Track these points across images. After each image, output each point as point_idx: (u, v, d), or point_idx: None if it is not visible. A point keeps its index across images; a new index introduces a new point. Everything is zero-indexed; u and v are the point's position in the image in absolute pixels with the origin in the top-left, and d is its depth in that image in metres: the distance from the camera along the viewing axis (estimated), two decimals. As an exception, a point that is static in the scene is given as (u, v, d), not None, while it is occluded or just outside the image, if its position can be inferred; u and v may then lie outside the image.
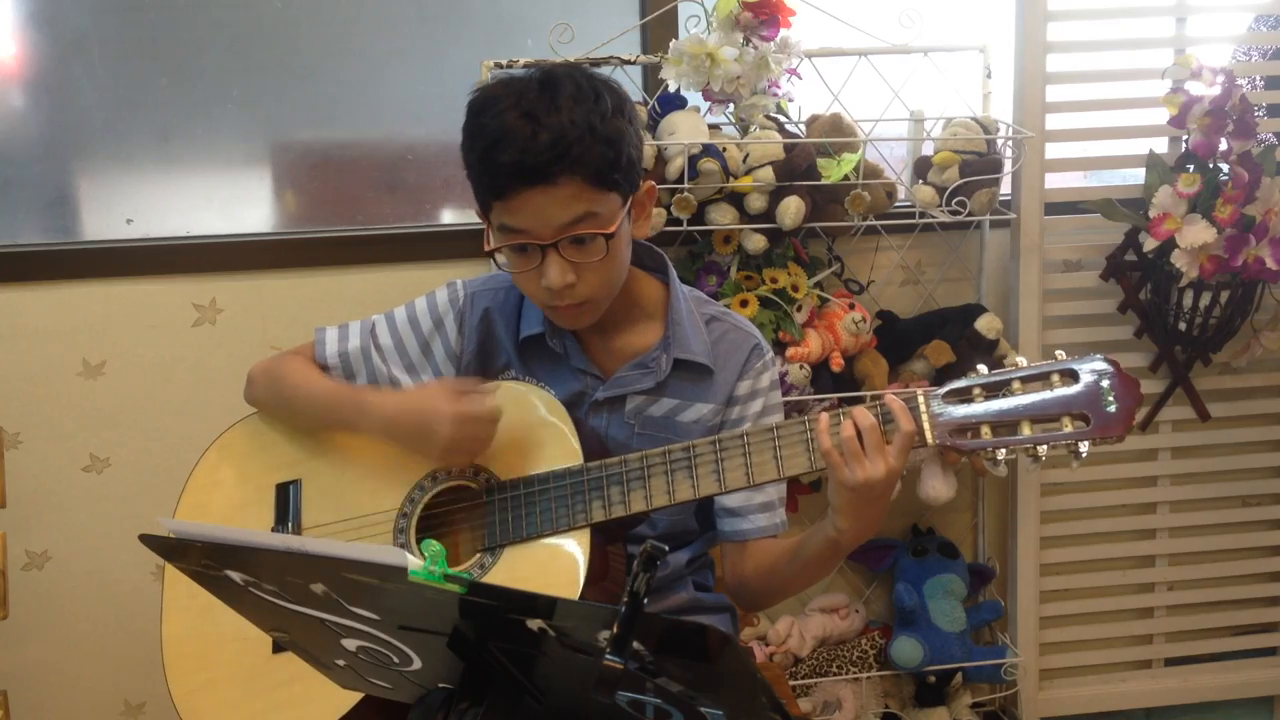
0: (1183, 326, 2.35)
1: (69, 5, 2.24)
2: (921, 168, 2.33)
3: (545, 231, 1.37)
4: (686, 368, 1.51)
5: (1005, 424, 1.27)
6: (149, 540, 1.06)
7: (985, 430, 1.28)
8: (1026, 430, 1.27)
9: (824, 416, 1.32)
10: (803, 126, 2.28)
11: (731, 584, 1.58)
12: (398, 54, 2.35)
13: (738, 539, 1.53)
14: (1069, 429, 1.26)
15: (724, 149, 2.12)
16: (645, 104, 2.21)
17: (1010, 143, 2.29)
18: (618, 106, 1.39)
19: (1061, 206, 2.45)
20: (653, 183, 1.50)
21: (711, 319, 1.56)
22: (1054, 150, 2.40)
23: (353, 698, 1.34)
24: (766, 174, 2.13)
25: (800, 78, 2.17)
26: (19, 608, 1.97)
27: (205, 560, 1.05)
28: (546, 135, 1.32)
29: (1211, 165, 2.23)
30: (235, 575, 1.05)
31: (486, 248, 1.44)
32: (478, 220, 2.34)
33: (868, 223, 2.26)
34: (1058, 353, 1.29)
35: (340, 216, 2.37)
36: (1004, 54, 2.36)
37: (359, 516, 1.47)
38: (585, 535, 1.37)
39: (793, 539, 1.48)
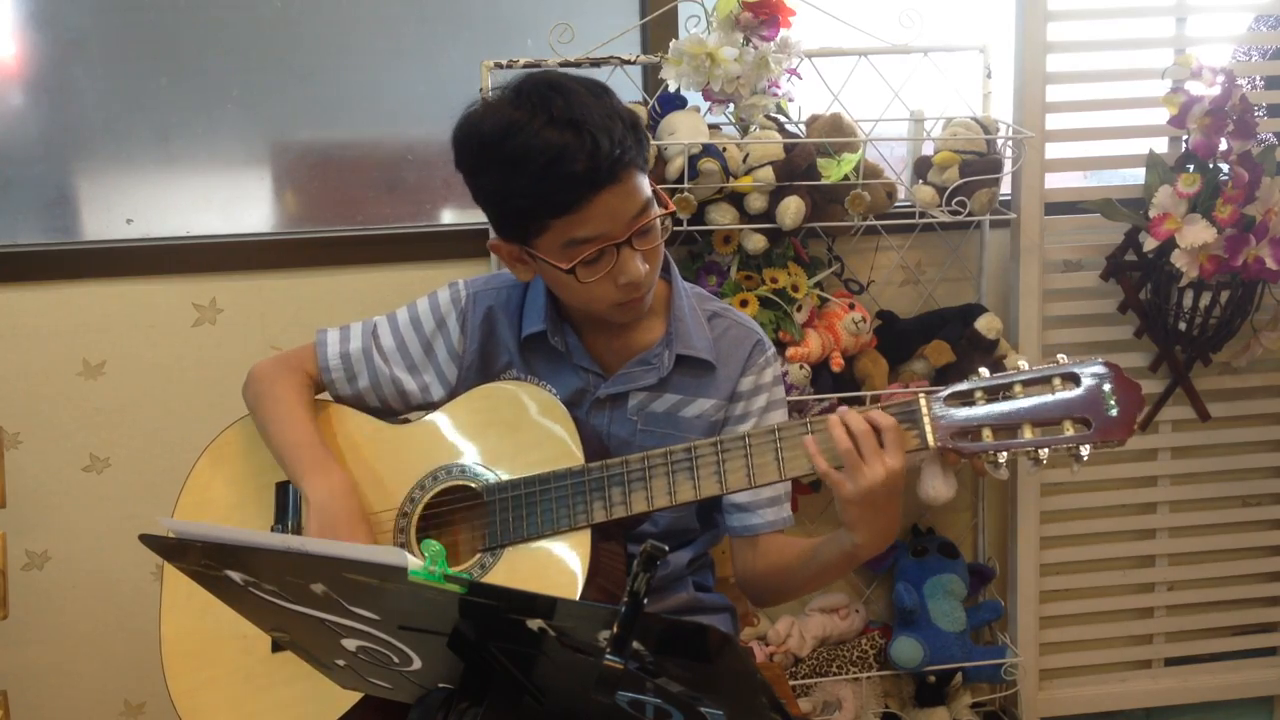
0: (1183, 326, 2.35)
1: (69, 5, 2.24)
2: (921, 168, 2.33)
3: (618, 230, 1.37)
4: (689, 364, 1.52)
5: (1006, 427, 1.27)
6: (149, 540, 1.06)
7: (986, 433, 1.28)
8: (1028, 434, 1.27)
9: (809, 440, 1.31)
10: (803, 126, 2.28)
11: (742, 579, 1.58)
12: (398, 54, 2.35)
13: (748, 534, 1.54)
14: (1070, 433, 1.26)
15: (724, 149, 2.12)
16: (645, 104, 2.21)
17: (1010, 143, 2.29)
18: (612, 93, 1.42)
19: (1061, 206, 2.44)
20: None
21: (713, 315, 1.56)
22: (1054, 150, 2.40)
23: (352, 698, 1.34)
24: (766, 174, 2.13)
25: (800, 78, 2.17)
26: (19, 608, 1.97)
27: (205, 560, 1.05)
28: (604, 137, 1.33)
29: (1211, 165, 2.23)
30: (235, 575, 1.05)
31: (564, 266, 1.38)
32: (477, 220, 2.34)
33: (868, 223, 2.26)
34: (1059, 356, 1.29)
35: (340, 216, 2.37)
36: (1004, 54, 2.36)
37: (359, 516, 1.47)
38: (586, 536, 1.37)
39: (808, 541, 1.48)
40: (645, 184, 1.40)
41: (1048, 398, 1.27)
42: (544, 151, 1.32)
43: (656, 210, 1.41)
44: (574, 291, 1.43)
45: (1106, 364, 1.27)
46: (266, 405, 1.54)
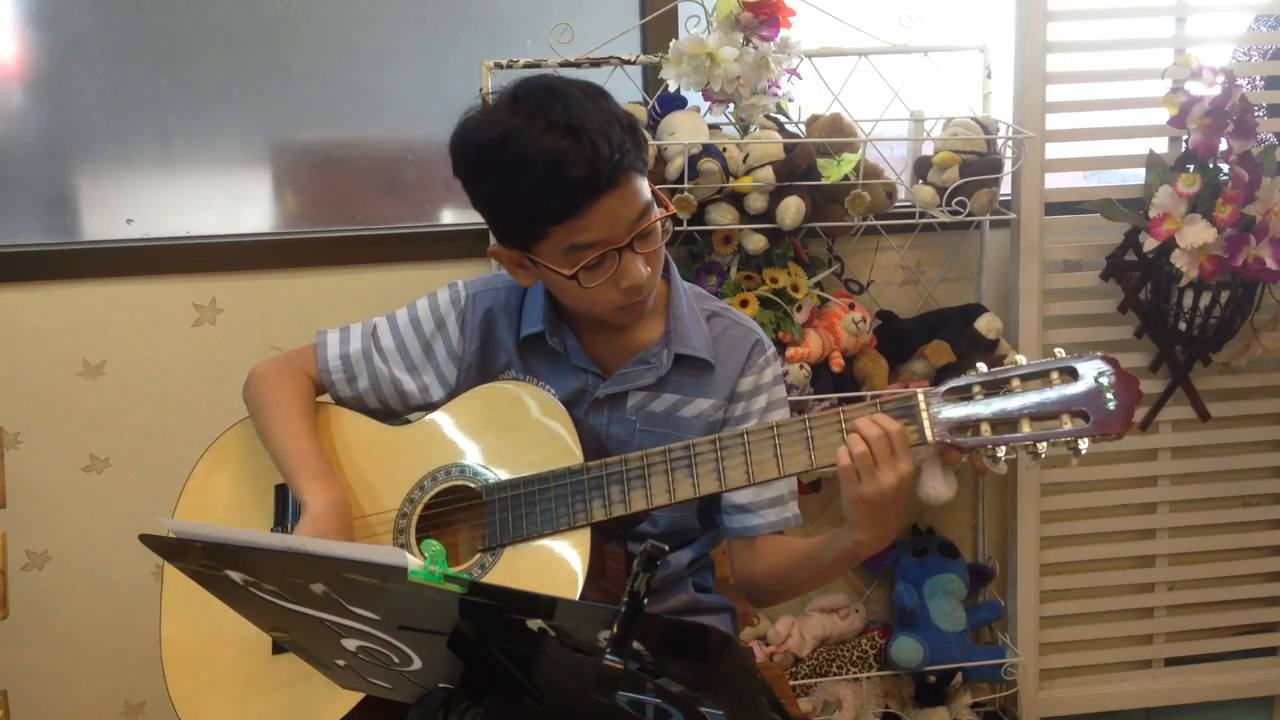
0: (1183, 326, 2.35)
1: (69, 5, 2.24)
2: (921, 168, 2.32)
3: (619, 234, 1.37)
4: (687, 363, 1.52)
5: (1005, 422, 1.27)
6: (149, 540, 1.06)
7: (985, 428, 1.28)
8: (1026, 428, 1.27)
9: (843, 453, 1.31)
10: (803, 126, 2.28)
11: (740, 580, 1.57)
12: (398, 54, 2.35)
13: (747, 535, 1.53)
14: (1068, 426, 1.26)
15: (724, 149, 2.12)
16: (645, 104, 2.21)
17: (1010, 143, 2.29)
18: (608, 96, 1.41)
19: (1061, 206, 2.44)
20: None
21: (712, 315, 1.56)
22: (1054, 150, 2.40)
23: (353, 698, 1.34)
24: (766, 174, 2.13)
25: (800, 78, 2.17)
26: (19, 608, 1.96)
27: (205, 560, 1.05)
28: (603, 142, 1.32)
29: (1211, 165, 2.23)
30: (235, 575, 1.05)
31: (566, 273, 1.38)
32: (477, 221, 2.34)
33: (868, 223, 2.26)
34: (1057, 350, 1.29)
35: (340, 216, 2.37)
36: (1004, 54, 2.36)
37: (359, 517, 1.47)
38: (585, 535, 1.37)
39: (806, 542, 1.48)
40: (644, 186, 1.39)
41: (1046, 392, 1.27)
42: (543, 158, 1.32)
43: (657, 213, 1.40)
44: (576, 296, 1.42)
45: (1104, 358, 1.27)
46: (268, 409, 1.54)
